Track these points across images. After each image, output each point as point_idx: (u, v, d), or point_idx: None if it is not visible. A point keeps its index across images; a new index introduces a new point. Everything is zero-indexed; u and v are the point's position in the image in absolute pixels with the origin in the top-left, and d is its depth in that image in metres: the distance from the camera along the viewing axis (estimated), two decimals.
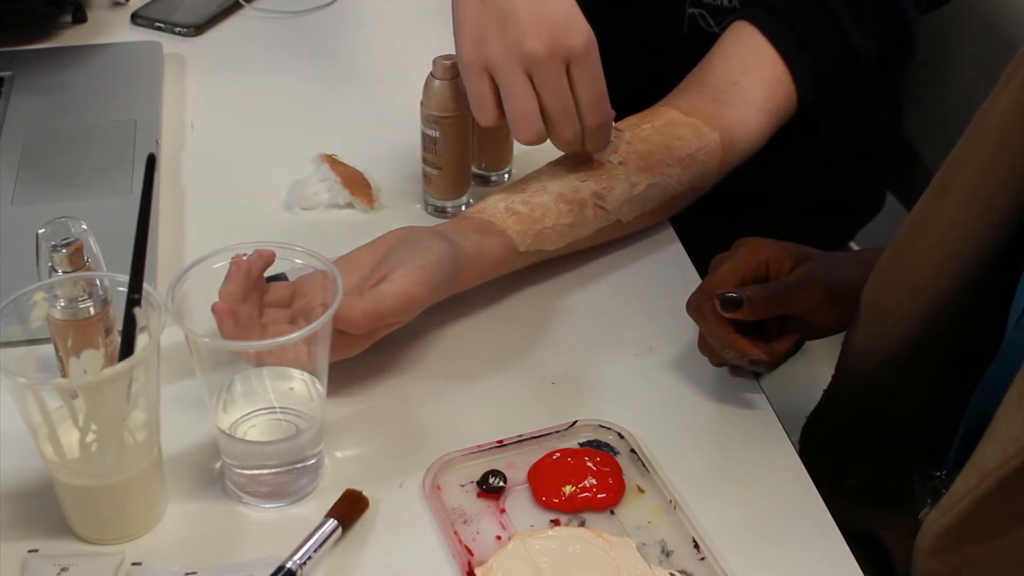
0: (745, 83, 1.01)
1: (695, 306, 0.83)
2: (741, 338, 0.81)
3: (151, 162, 0.74)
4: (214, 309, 0.76)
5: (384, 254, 0.84)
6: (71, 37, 1.27)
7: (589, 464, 0.77)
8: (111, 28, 1.29)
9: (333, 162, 1.04)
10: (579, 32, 0.87)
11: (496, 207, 0.92)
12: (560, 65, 0.87)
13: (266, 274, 0.79)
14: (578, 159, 0.95)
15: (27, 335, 0.77)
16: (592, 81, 0.88)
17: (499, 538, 0.73)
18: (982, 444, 0.68)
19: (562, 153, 0.97)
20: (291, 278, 0.84)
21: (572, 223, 0.92)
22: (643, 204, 0.95)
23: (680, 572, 0.71)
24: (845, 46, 1.05)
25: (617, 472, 0.77)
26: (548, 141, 0.92)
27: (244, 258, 0.77)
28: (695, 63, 1.05)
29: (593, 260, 0.97)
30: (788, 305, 0.83)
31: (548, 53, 0.86)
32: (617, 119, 0.96)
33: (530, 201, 0.92)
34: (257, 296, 0.79)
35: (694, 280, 0.94)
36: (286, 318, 0.80)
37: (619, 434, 0.80)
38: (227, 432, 0.74)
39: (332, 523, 0.72)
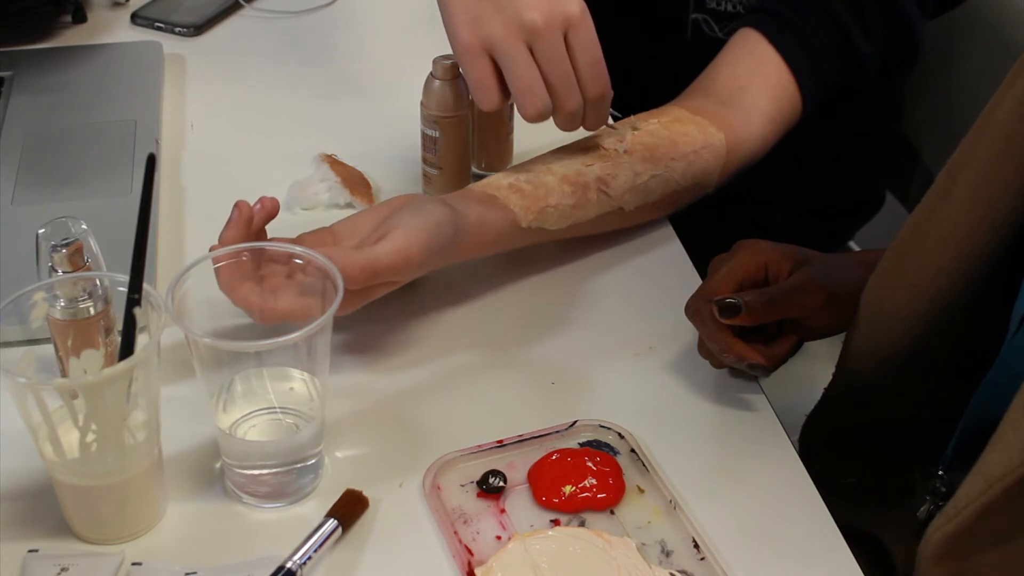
0: (751, 89, 1.01)
1: (694, 310, 0.83)
2: (739, 342, 0.81)
3: (151, 162, 0.74)
4: (211, 253, 0.76)
5: (386, 216, 0.85)
6: (71, 37, 1.27)
7: (589, 464, 0.77)
8: (111, 28, 1.29)
9: (333, 162, 1.04)
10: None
11: (500, 183, 0.92)
12: (559, 33, 0.87)
13: None
14: (584, 147, 0.95)
15: (27, 335, 0.77)
16: (590, 47, 0.88)
17: (499, 538, 0.73)
18: (987, 451, 0.67)
19: (565, 144, 0.97)
20: None
21: (575, 204, 0.92)
22: (646, 194, 0.95)
23: (680, 572, 0.71)
24: (851, 54, 1.05)
25: (617, 472, 0.77)
26: (544, 136, 0.91)
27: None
28: (699, 69, 1.05)
29: (593, 260, 0.97)
30: (787, 310, 0.83)
31: (547, 22, 0.86)
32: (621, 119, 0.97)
33: (534, 180, 0.92)
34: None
35: (694, 280, 0.94)
36: (284, 272, 0.80)
37: (619, 434, 0.80)
38: (227, 432, 0.74)
39: (332, 523, 0.72)
